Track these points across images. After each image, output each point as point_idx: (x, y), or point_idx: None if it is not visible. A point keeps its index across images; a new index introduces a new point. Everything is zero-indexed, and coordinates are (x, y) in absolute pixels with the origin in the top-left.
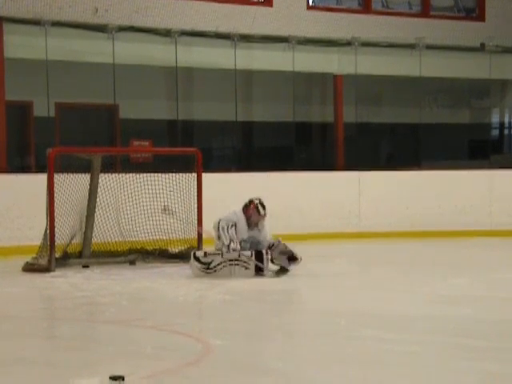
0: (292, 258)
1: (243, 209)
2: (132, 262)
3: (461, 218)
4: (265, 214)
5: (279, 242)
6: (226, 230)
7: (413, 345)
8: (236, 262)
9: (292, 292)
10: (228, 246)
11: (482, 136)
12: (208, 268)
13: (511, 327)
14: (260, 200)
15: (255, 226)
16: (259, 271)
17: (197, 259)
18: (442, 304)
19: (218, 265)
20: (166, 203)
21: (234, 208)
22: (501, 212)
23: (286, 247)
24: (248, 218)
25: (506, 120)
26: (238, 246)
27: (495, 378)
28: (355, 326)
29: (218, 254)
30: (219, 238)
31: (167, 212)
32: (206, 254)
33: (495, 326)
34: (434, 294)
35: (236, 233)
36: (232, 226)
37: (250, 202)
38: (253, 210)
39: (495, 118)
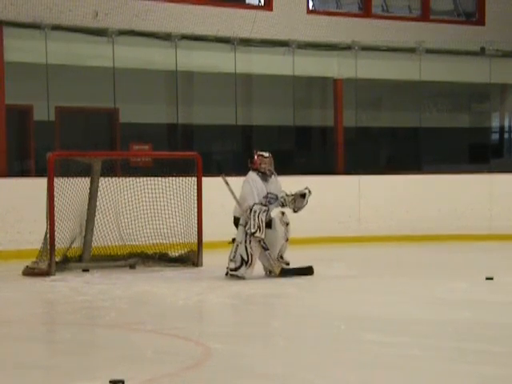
0: (303, 195)
1: (250, 167)
2: (132, 266)
3: (461, 222)
4: (270, 156)
5: (285, 196)
6: (256, 216)
7: (412, 348)
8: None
9: (292, 296)
10: (253, 233)
11: (482, 140)
12: (246, 264)
13: (511, 331)
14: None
15: (270, 175)
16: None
17: (235, 270)
18: (442, 307)
19: (247, 257)
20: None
21: (246, 177)
22: (501, 216)
23: (293, 193)
24: (259, 170)
25: (506, 124)
26: (263, 235)
27: (494, 382)
28: (355, 329)
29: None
30: (246, 222)
31: (224, 180)
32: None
33: (495, 330)
34: (434, 297)
35: (265, 216)
36: (264, 211)
37: (252, 155)
38: (258, 159)
39: (495, 122)
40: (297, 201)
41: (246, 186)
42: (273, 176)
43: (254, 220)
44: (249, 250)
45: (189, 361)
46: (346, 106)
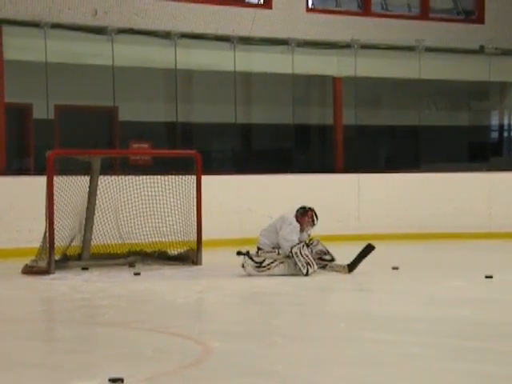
0: (325, 260)
1: (297, 215)
2: (131, 264)
3: (460, 220)
4: (316, 224)
5: (318, 241)
6: (299, 255)
7: (411, 347)
8: (290, 260)
9: (291, 294)
10: (307, 274)
11: (482, 138)
12: (260, 266)
13: (510, 329)
14: (314, 210)
15: (302, 231)
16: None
17: (250, 258)
18: (441, 306)
19: (272, 263)
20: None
21: (284, 215)
22: (500, 214)
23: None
24: (301, 224)
25: (506, 122)
26: (316, 267)
27: (493, 380)
28: (354, 327)
29: (271, 252)
30: (295, 264)
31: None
32: (258, 252)
33: (494, 328)
34: (433, 295)
35: (307, 250)
36: (304, 246)
37: (307, 210)
38: (309, 219)
39: (494, 121)
40: (316, 253)
41: (288, 227)
42: (306, 233)
43: (300, 261)
44: (274, 264)
45: (188, 359)
46: (345, 104)
